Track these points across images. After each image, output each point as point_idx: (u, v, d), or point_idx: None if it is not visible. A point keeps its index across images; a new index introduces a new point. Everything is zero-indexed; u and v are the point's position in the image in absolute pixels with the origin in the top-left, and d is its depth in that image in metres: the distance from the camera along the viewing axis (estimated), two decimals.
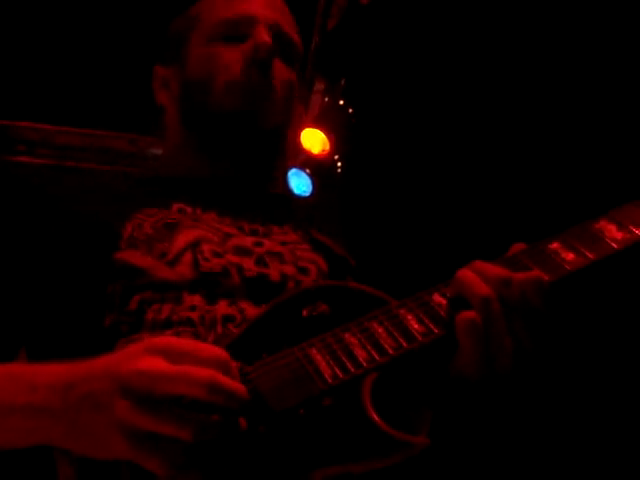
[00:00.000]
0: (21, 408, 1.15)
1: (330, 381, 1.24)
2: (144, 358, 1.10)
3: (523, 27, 4.09)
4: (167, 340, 1.17)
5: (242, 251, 1.58)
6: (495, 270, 1.30)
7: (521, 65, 4.19)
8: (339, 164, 4.67)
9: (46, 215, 1.53)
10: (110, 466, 1.14)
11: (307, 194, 4.62)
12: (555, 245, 1.37)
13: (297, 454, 1.20)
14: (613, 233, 1.37)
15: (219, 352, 1.13)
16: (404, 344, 1.29)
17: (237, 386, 1.10)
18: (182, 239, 1.54)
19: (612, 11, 3.86)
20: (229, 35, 1.74)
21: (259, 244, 1.62)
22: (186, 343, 1.16)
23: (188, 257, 1.51)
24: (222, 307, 1.46)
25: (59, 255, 1.48)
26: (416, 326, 1.31)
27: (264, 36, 1.71)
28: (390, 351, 1.28)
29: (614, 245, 1.35)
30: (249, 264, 1.55)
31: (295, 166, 4.62)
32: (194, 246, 1.53)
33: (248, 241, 1.61)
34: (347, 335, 1.30)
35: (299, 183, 4.63)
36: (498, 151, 4.30)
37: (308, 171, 4.63)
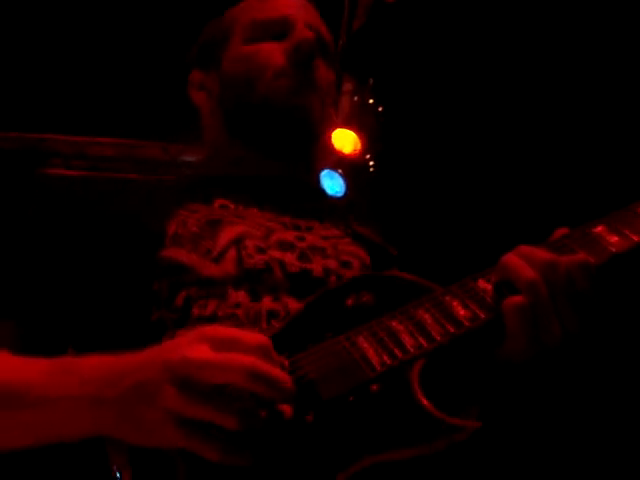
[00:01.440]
0: (74, 399, 1.17)
1: (379, 368, 1.25)
2: (191, 346, 1.13)
3: (555, 20, 4.08)
4: (213, 328, 1.19)
5: (285, 246, 1.59)
6: (541, 254, 1.30)
7: (554, 56, 4.17)
8: (371, 163, 4.67)
9: (90, 219, 1.56)
10: (163, 454, 1.16)
11: (340, 195, 4.62)
12: (599, 228, 1.37)
13: (347, 441, 1.21)
14: None
15: (261, 339, 1.15)
16: (451, 330, 1.30)
17: (278, 373, 1.12)
18: (226, 235, 1.56)
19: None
20: (269, 34, 1.76)
21: (301, 239, 1.62)
22: (231, 331, 1.18)
23: (232, 253, 1.52)
24: (266, 303, 1.48)
25: (107, 255, 1.51)
26: (462, 312, 1.31)
27: (306, 32, 1.72)
28: (437, 337, 1.29)
29: None
30: (292, 259, 1.56)
31: (327, 167, 4.63)
32: (238, 242, 1.55)
33: (290, 236, 1.62)
34: (394, 323, 1.31)
35: (332, 184, 4.63)
36: (532, 141, 4.28)
37: (340, 171, 4.63)
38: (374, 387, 1.26)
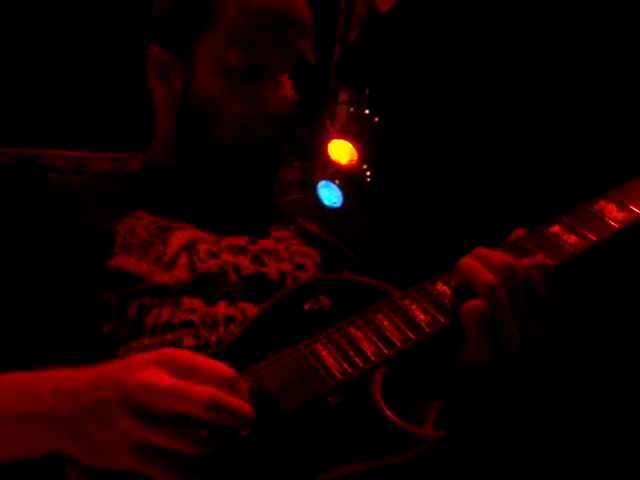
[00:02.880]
0: (28, 417, 1.15)
1: (339, 377, 1.22)
2: (148, 370, 1.08)
3: (554, 37, 4.08)
4: (173, 352, 1.15)
5: (237, 249, 1.55)
6: (499, 256, 1.28)
7: (552, 73, 4.16)
8: (368, 173, 4.67)
9: (36, 224, 1.49)
10: (118, 474, 1.13)
11: (338, 205, 4.63)
12: (556, 228, 1.35)
13: (309, 454, 1.18)
14: (614, 213, 1.36)
15: (224, 369, 1.10)
16: (411, 336, 1.27)
17: (238, 403, 1.07)
18: (176, 241, 1.51)
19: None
20: (251, 63, 1.58)
21: (253, 242, 1.58)
22: (192, 357, 1.13)
23: (184, 259, 1.48)
24: (222, 308, 1.44)
25: (53, 264, 1.45)
26: (422, 317, 1.29)
27: (287, 88, 1.58)
28: (398, 344, 1.26)
29: (615, 225, 1.34)
30: (246, 262, 1.53)
31: (325, 178, 4.63)
32: (189, 247, 1.51)
33: (242, 240, 1.58)
34: (352, 329, 1.28)
35: (329, 195, 4.64)
36: (526, 156, 4.28)
37: (338, 182, 4.63)
38: (335, 398, 1.23)
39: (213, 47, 1.58)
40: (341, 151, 4.66)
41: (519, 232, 1.36)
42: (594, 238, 1.32)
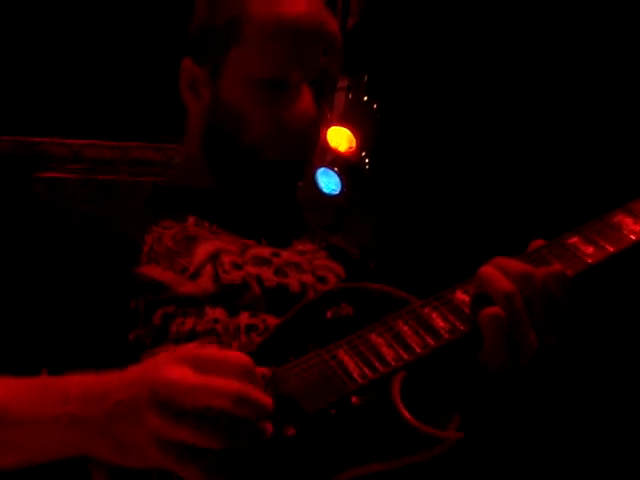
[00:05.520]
0: (55, 419, 1.16)
1: (360, 380, 1.26)
2: (172, 368, 1.11)
3: (551, 20, 4.08)
4: (194, 349, 1.19)
5: (261, 261, 1.59)
6: (517, 265, 1.31)
7: (552, 55, 4.16)
8: (367, 160, 4.67)
9: (64, 232, 1.55)
10: (144, 475, 1.16)
11: (336, 192, 4.62)
12: (574, 239, 1.38)
13: (329, 454, 1.22)
14: (631, 226, 1.39)
15: (244, 360, 1.14)
16: (431, 342, 1.30)
17: (263, 397, 1.11)
18: (202, 251, 1.55)
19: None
20: (274, 76, 1.61)
21: (276, 254, 1.62)
22: (214, 353, 1.16)
23: (209, 270, 1.52)
24: (244, 318, 1.48)
25: (80, 272, 1.49)
26: (441, 324, 1.32)
27: (306, 103, 1.60)
28: (417, 349, 1.30)
29: (632, 237, 1.37)
30: (268, 274, 1.56)
31: (323, 165, 4.63)
32: (214, 258, 1.54)
33: (266, 251, 1.61)
34: (373, 335, 1.32)
35: (328, 182, 4.64)
36: (524, 144, 4.28)
37: (336, 169, 4.62)
38: (356, 400, 1.26)
39: (241, 57, 1.63)
40: (340, 138, 4.65)
41: (538, 243, 1.39)
42: (611, 249, 1.35)
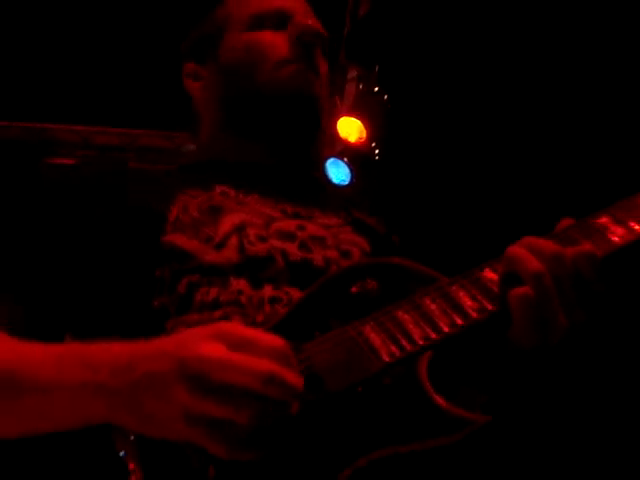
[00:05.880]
0: (82, 386, 1.17)
1: (387, 359, 1.24)
2: (205, 343, 1.11)
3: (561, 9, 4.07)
4: (230, 326, 1.18)
5: (285, 235, 1.59)
6: (546, 245, 1.30)
7: (557, 45, 4.15)
8: (376, 151, 4.66)
9: (92, 206, 1.56)
10: (169, 445, 1.16)
11: (346, 183, 4.62)
12: (604, 219, 1.37)
13: (355, 433, 1.21)
14: None
15: (279, 343, 1.14)
16: (458, 321, 1.29)
17: (294, 379, 1.10)
18: (228, 222, 1.56)
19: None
20: (268, 24, 1.76)
21: (302, 228, 1.62)
22: (247, 331, 1.16)
23: (234, 241, 1.53)
24: (268, 291, 1.48)
25: (109, 241, 1.51)
26: (469, 303, 1.31)
27: (308, 20, 1.73)
28: (445, 328, 1.28)
29: None
30: (293, 249, 1.56)
31: (333, 155, 4.62)
32: (239, 230, 1.55)
33: (291, 225, 1.62)
34: (400, 313, 1.30)
35: (337, 172, 4.63)
36: (539, 130, 4.27)
37: (346, 160, 4.62)
38: (383, 379, 1.25)
39: (234, 34, 1.81)
40: (350, 128, 4.65)
41: (566, 222, 1.38)
42: None
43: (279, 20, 1.76)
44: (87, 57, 4.42)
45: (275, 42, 1.73)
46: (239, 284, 1.47)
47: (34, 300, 1.48)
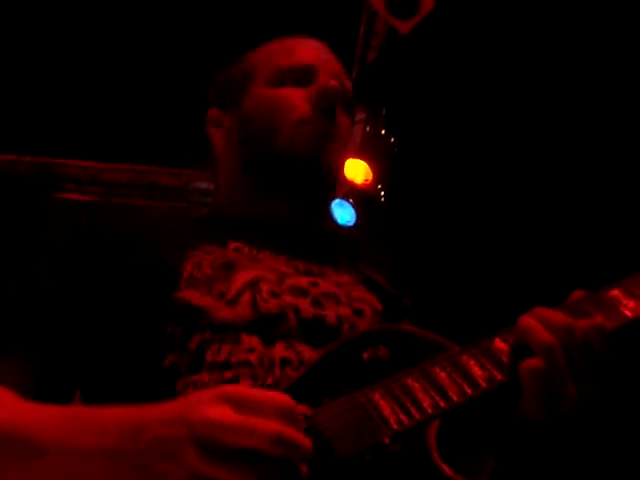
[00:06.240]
0: (90, 452, 1.15)
1: (395, 427, 1.24)
2: (213, 406, 1.11)
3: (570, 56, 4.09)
4: (235, 388, 1.18)
5: (298, 291, 1.59)
6: (558, 317, 1.31)
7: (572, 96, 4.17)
8: (382, 193, 4.68)
9: (103, 254, 1.56)
10: None
11: (351, 224, 4.63)
12: (615, 292, 1.38)
13: None
14: None
15: (286, 401, 1.14)
16: (468, 390, 1.29)
17: (302, 439, 1.10)
18: (241, 279, 1.56)
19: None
20: (292, 80, 1.76)
21: (314, 284, 1.62)
22: (254, 393, 1.16)
23: (247, 297, 1.52)
24: (279, 350, 1.48)
25: (119, 294, 1.51)
26: (479, 372, 1.31)
27: (331, 80, 1.73)
28: (454, 397, 1.28)
29: None
30: (305, 305, 1.56)
31: (338, 196, 4.64)
32: (253, 285, 1.55)
33: (304, 281, 1.62)
34: (410, 380, 1.30)
35: (342, 213, 4.65)
36: (550, 175, 4.28)
37: (351, 201, 4.64)
38: (391, 446, 1.25)
39: (258, 87, 1.81)
40: (356, 170, 4.67)
41: (578, 294, 1.39)
42: None
43: (304, 76, 1.76)
44: (96, 93, 4.45)
45: (297, 100, 1.73)
46: (251, 342, 1.47)
47: (44, 357, 1.46)
